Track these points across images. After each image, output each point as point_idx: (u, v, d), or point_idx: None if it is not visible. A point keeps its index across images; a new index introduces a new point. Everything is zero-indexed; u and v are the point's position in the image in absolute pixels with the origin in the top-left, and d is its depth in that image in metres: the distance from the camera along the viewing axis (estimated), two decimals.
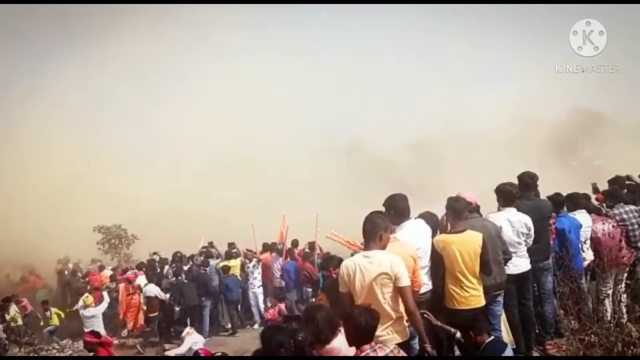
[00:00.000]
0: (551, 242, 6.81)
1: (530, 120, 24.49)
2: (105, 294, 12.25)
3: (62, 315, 14.54)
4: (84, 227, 19.59)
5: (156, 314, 13.45)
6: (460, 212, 5.51)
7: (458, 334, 5.14)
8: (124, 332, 14.29)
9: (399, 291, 4.40)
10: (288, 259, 13.64)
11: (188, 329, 11.05)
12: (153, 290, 13.30)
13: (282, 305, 12.37)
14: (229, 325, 13.52)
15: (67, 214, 21.57)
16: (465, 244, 5.32)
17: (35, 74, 27.44)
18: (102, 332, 11.29)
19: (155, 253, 15.93)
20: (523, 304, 6.38)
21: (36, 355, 13.26)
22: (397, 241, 4.97)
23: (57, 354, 13.19)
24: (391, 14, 26.53)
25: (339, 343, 3.96)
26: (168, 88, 28.45)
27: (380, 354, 3.83)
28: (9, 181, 24.03)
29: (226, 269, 13.32)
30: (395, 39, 27.68)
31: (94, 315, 11.25)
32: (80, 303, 11.50)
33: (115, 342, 13.84)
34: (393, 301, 4.42)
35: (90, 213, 20.59)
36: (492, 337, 5.18)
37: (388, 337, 4.36)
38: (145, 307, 13.62)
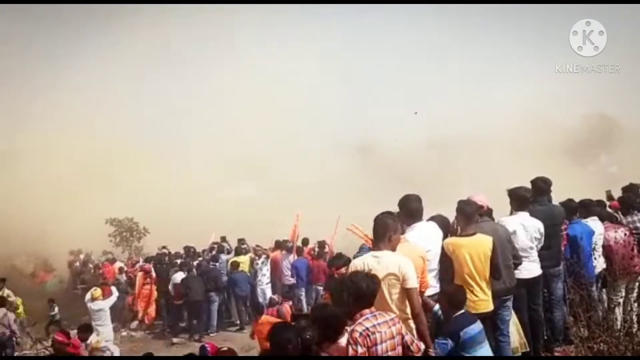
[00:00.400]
0: (562, 249, 6.77)
1: (544, 123, 24.27)
2: (114, 288, 12.26)
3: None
4: (97, 219, 19.71)
5: (181, 301, 13.51)
6: (470, 215, 5.47)
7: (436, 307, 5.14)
8: (134, 324, 14.42)
9: (405, 293, 4.41)
10: (299, 257, 13.63)
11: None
12: (179, 277, 13.44)
13: (284, 307, 12.17)
14: (238, 321, 13.57)
15: (80, 205, 21.76)
16: (476, 248, 5.29)
17: (56, 68, 27.67)
18: (109, 326, 11.44)
19: (164, 247, 16.02)
20: (533, 309, 6.33)
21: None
22: (407, 242, 4.97)
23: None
24: (406, 13, 26.39)
25: (345, 341, 3.97)
26: (184, 83, 28.53)
27: (380, 320, 3.93)
28: (25, 171, 24.34)
29: (235, 264, 13.38)
30: (406, 38, 27.53)
31: (101, 308, 11.22)
32: (88, 296, 11.47)
33: (124, 334, 14.06)
34: (400, 302, 4.43)
35: (103, 205, 20.72)
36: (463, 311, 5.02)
37: None
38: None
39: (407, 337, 4.05)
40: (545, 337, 6.53)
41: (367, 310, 3.95)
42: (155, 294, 14.29)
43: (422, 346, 4.17)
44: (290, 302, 12.16)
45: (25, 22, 25.36)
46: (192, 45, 28.23)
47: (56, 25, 26.54)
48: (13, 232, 21.21)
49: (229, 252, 14.66)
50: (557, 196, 7.09)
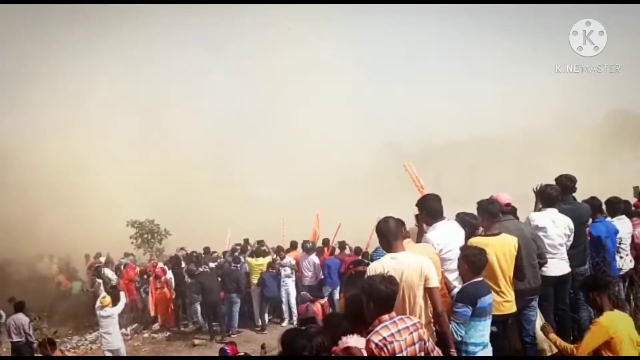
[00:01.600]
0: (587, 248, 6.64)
1: (566, 121, 23.98)
2: (122, 294, 12.21)
3: None
4: (118, 221, 19.86)
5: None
6: (494, 214, 5.39)
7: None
8: (156, 326, 14.50)
9: (427, 292, 4.37)
10: (330, 256, 13.58)
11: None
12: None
13: (315, 305, 12.10)
14: (259, 322, 13.58)
15: (102, 207, 22.01)
16: (502, 247, 5.19)
17: (74, 70, 28.01)
18: (117, 333, 11.44)
19: (182, 248, 16.09)
20: (561, 309, 6.23)
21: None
22: (413, 243, 4.99)
23: None
24: (423, 13, 26.24)
25: (354, 342, 3.88)
26: (205, 84, 28.74)
27: (400, 326, 3.80)
28: (45, 175, 24.71)
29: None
30: (419, 39, 27.45)
31: (110, 315, 11.20)
32: (98, 303, 11.49)
33: (145, 335, 14.16)
34: (422, 303, 4.37)
35: (124, 207, 20.89)
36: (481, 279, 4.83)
37: None
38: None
39: (429, 344, 3.95)
40: (572, 338, 6.40)
41: (386, 317, 3.84)
42: (171, 295, 14.36)
43: (440, 353, 4.08)
44: (324, 301, 12.12)
45: (42, 21, 25.68)
46: (216, 45, 28.51)
47: (71, 24, 26.86)
48: (38, 234, 21.60)
49: (251, 255, 14.64)
50: (583, 194, 6.98)
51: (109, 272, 16.10)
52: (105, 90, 28.48)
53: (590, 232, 6.75)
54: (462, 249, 5.02)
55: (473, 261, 4.73)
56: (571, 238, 6.07)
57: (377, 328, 3.79)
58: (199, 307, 13.83)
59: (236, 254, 14.53)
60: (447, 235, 5.22)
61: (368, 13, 26.96)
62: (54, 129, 26.97)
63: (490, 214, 5.39)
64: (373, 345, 3.69)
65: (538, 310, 5.78)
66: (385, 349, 3.68)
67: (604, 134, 23.41)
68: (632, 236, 7.12)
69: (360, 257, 11.78)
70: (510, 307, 5.28)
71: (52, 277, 19.87)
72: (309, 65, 26.84)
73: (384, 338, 3.70)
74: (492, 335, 4.94)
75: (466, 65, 27.14)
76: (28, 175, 26.03)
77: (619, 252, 6.92)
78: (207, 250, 15.52)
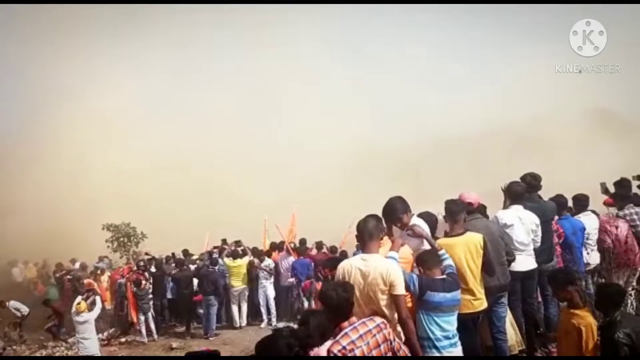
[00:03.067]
0: (554, 244, 6.74)
1: (540, 119, 24.30)
2: (98, 298, 12.05)
3: None
4: (93, 225, 19.64)
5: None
6: (456, 213, 5.42)
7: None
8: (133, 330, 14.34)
9: (393, 299, 4.35)
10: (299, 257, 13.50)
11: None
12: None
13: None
14: (238, 324, 13.56)
15: (78, 212, 21.77)
16: (467, 246, 5.25)
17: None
18: (94, 339, 11.29)
19: (146, 253, 16.03)
20: (528, 303, 6.36)
21: None
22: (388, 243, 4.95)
23: None
24: (409, 12, 26.31)
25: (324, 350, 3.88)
26: (187, 84, 28.54)
27: (362, 330, 3.80)
28: (26, 177, 24.44)
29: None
30: (408, 38, 27.50)
31: (86, 320, 11.05)
32: (73, 309, 11.32)
33: (123, 340, 14.01)
34: (388, 307, 4.37)
35: (99, 211, 20.70)
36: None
37: None
38: None
39: (395, 344, 3.96)
40: (539, 332, 6.50)
41: (345, 323, 3.84)
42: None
43: (407, 352, 4.11)
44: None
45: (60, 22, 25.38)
46: (206, 46, 28.29)
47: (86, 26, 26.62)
48: (9, 238, 21.28)
49: (228, 255, 14.55)
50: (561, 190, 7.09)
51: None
52: (87, 94, 28.27)
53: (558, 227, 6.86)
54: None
55: (422, 261, 4.82)
56: (538, 233, 6.17)
57: (338, 337, 3.78)
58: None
59: (214, 255, 14.48)
60: None
61: (367, 13, 27.01)
62: (30, 130, 26.71)
63: (451, 213, 5.44)
64: (332, 355, 3.69)
65: (507, 308, 5.87)
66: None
67: (582, 131, 23.73)
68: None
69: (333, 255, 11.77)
70: (480, 304, 5.32)
71: (29, 282, 19.61)
72: (292, 65, 26.84)
73: (344, 347, 3.70)
74: (464, 333, 5.01)
75: (464, 65, 27.29)
76: (1, 178, 25.70)
77: (585, 248, 7.04)
78: (186, 252, 15.41)
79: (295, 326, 4.39)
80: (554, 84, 21.12)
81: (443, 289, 4.65)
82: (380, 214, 5.08)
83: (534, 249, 6.21)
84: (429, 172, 23.44)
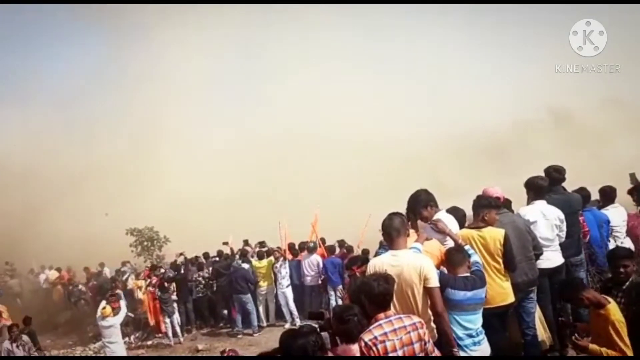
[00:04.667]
0: (582, 237, 6.68)
1: (558, 115, 24.06)
2: (123, 303, 12.19)
3: None
4: (117, 229, 19.87)
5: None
6: (477, 208, 5.41)
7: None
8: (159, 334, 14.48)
9: (427, 292, 4.38)
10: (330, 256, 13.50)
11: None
12: None
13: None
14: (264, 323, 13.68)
15: (101, 215, 22.02)
16: (485, 240, 5.21)
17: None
18: (120, 343, 11.49)
19: (181, 254, 16.13)
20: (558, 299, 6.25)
21: None
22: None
23: None
24: (425, 13, 26.17)
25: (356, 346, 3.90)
26: (207, 84, 28.75)
27: (397, 325, 3.79)
28: (43, 182, 24.85)
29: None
30: (409, 38, 27.38)
31: (112, 325, 11.19)
32: (98, 313, 11.47)
33: (149, 342, 14.18)
34: (422, 302, 4.39)
35: (122, 215, 20.90)
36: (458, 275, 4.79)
37: None
38: None
39: (429, 345, 3.93)
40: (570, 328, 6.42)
41: (382, 315, 3.84)
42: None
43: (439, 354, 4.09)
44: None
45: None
46: (227, 51, 28.51)
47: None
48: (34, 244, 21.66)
49: (252, 256, 14.63)
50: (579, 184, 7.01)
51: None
52: (106, 96, 28.71)
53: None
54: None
55: (448, 257, 4.84)
56: (563, 228, 6.09)
57: (371, 327, 3.80)
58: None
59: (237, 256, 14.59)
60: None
61: (379, 13, 26.93)
62: (50, 134, 27.15)
63: (473, 208, 5.44)
64: (362, 344, 3.71)
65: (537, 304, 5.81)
66: (374, 348, 3.69)
67: (598, 124, 23.43)
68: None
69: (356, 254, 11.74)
70: (503, 299, 5.24)
71: (51, 287, 19.86)
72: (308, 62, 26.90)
73: (375, 337, 3.71)
74: (491, 329, 4.98)
75: (463, 65, 27.09)
76: (26, 183, 26.20)
77: (615, 240, 6.95)
78: (206, 255, 15.52)
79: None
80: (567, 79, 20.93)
81: (464, 286, 4.64)
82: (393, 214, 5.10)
83: (560, 244, 6.14)
84: (448, 169, 23.23)
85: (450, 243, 5.05)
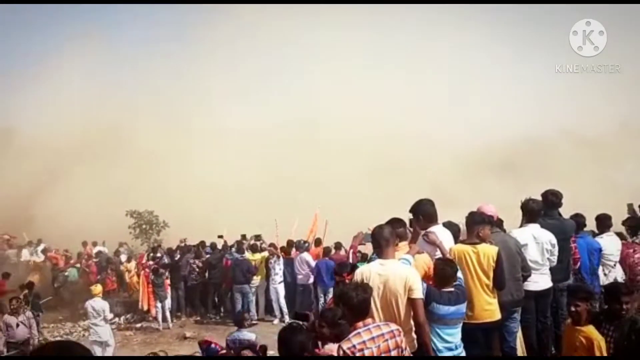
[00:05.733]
0: (572, 263, 6.73)
1: (571, 135, 23.92)
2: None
3: None
4: (118, 211, 19.98)
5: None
6: (470, 225, 5.45)
7: None
8: (149, 317, 14.57)
9: (411, 303, 4.45)
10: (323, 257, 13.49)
11: None
12: None
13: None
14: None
15: (103, 197, 22.12)
16: (479, 256, 5.27)
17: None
18: (106, 326, 11.21)
19: (183, 240, 16.24)
20: (542, 322, 6.33)
21: None
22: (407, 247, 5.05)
23: None
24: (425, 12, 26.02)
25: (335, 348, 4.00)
26: (219, 80, 28.77)
27: (375, 333, 3.85)
28: (44, 159, 25.01)
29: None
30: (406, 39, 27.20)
31: (101, 306, 11.03)
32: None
33: (138, 325, 14.27)
34: (405, 312, 4.46)
35: (123, 197, 21.01)
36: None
37: None
38: None
39: (406, 353, 4.02)
40: (553, 352, 6.48)
41: (360, 324, 3.90)
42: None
43: None
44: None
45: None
46: (246, 42, 28.53)
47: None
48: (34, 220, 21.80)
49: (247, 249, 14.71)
50: (582, 209, 7.03)
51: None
52: (117, 77, 28.81)
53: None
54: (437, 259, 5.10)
55: (437, 271, 4.89)
56: (555, 253, 6.13)
57: (350, 335, 3.87)
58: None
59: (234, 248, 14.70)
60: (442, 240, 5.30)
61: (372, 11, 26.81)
62: (55, 112, 27.29)
63: (466, 225, 5.50)
64: (341, 352, 3.79)
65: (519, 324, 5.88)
66: (353, 356, 3.76)
67: (612, 148, 23.31)
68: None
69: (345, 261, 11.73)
70: (490, 315, 5.30)
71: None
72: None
73: (354, 345, 3.78)
74: (472, 344, 5.05)
75: (461, 65, 26.93)
76: (27, 159, 26.36)
77: (604, 269, 6.99)
78: (202, 244, 15.62)
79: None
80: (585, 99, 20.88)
81: (449, 301, 4.72)
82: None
83: (550, 268, 6.19)
84: (454, 179, 23.07)
85: (439, 255, 5.13)
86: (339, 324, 4.28)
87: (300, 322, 4.80)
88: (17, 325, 10.23)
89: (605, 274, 6.98)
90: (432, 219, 5.41)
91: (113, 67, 29.23)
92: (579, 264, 6.82)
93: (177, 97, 27.68)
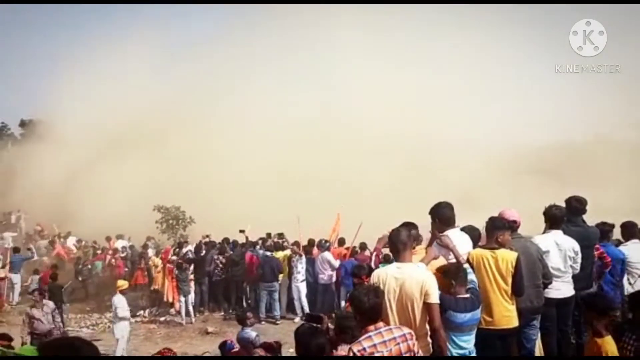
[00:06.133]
0: (603, 267, 6.61)
1: (605, 139, 23.47)
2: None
3: None
4: (146, 205, 20.27)
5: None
6: (490, 230, 5.38)
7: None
8: (172, 311, 14.78)
9: (426, 307, 4.42)
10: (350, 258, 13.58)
11: None
12: None
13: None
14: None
15: (133, 191, 22.50)
16: (497, 261, 5.21)
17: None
18: (125, 321, 11.38)
19: (207, 236, 16.40)
20: (562, 330, 6.22)
21: None
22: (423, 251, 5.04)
23: None
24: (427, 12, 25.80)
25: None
26: (252, 77, 29.04)
27: (386, 337, 3.84)
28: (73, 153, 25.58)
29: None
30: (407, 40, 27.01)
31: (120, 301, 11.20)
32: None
33: (162, 319, 14.50)
34: (421, 317, 4.44)
35: (153, 192, 21.31)
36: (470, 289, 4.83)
37: None
38: None
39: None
40: None
41: (371, 327, 3.89)
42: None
43: None
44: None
45: None
46: (279, 42, 28.79)
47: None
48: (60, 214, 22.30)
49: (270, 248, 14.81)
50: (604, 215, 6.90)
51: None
52: (150, 74, 29.29)
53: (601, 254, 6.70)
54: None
55: (448, 275, 4.82)
56: (577, 260, 6.02)
57: (361, 338, 3.87)
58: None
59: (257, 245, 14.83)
60: (457, 244, 5.26)
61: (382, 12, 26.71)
62: (84, 106, 27.94)
63: (486, 230, 5.43)
64: (351, 354, 3.79)
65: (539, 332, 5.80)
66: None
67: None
68: None
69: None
70: (507, 322, 5.24)
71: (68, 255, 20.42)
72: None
73: (364, 348, 3.78)
74: (489, 350, 5.02)
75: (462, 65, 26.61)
76: (63, 151, 27.00)
77: (629, 277, 6.84)
78: (226, 240, 15.77)
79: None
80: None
81: (465, 308, 4.69)
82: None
83: (572, 275, 6.08)
84: (485, 182, 22.78)
85: (452, 259, 5.10)
86: (345, 331, 4.31)
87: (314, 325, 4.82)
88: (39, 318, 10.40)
89: (630, 283, 6.82)
90: (448, 222, 5.38)
91: (146, 65, 29.74)
92: (609, 268, 6.69)
93: (207, 95, 28.00)
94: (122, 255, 18.13)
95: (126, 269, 17.58)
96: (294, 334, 4.29)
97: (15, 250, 18.19)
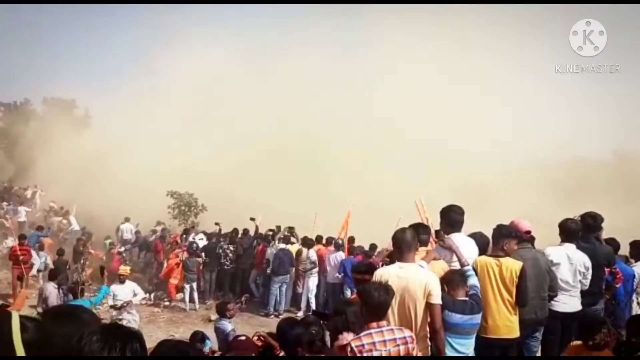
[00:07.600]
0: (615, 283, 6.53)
1: (621, 157, 23.16)
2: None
3: None
4: (159, 190, 20.42)
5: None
6: (496, 237, 5.36)
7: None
8: (179, 295, 14.83)
9: (429, 308, 4.42)
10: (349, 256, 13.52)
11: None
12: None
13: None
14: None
15: (145, 178, 22.69)
16: (502, 270, 5.16)
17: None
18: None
19: (217, 224, 16.46)
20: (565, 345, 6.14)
21: None
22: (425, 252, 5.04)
23: None
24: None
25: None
26: (271, 72, 29.17)
27: (387, 337, 3.82)
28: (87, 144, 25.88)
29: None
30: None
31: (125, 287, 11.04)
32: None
33: (167, 303, 14.56)
34: (422, 317, 4.43)
35: (166, 179, 21.46)
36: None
37: None
38: None
39: None
40: None
41: (374, 324, 3.87)
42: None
43: None
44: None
45: None
46: (308, 38, 28.93)
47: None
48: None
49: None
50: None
51: None
52: (165, 68, 29.58)
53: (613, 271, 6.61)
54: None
55: (446, 280, 4.82)
56: (588, 276, 5.94)
57: (362, 334, 3.85)
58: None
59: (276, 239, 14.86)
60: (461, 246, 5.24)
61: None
62: (102, 97, 28.29)
63: (492, 237, 5.41)
64: (349, 349, 3.77)
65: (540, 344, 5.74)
66: (360, 355, 3.73)
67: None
68: None
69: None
70: (508, 332, 5.19)
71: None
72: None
73: (362, 345, 3.75)
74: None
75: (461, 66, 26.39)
76: (85, 131, 27.31)
77: (637, 298, 6.74)
78: (235, 231, 15.80)
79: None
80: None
81: (462, 310, 4.65)
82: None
83: (581, 291, 6.00)
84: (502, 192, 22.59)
85: (456, 264, 5.05)
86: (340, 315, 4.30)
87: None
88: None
89: (638, 303, 6.72)
90: (454, 225, 5.37)
91: (163, 51, 30.06)
92: (620, 283, 6.61)
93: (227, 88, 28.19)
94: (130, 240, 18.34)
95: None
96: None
97: (39, 228, 18.33)
